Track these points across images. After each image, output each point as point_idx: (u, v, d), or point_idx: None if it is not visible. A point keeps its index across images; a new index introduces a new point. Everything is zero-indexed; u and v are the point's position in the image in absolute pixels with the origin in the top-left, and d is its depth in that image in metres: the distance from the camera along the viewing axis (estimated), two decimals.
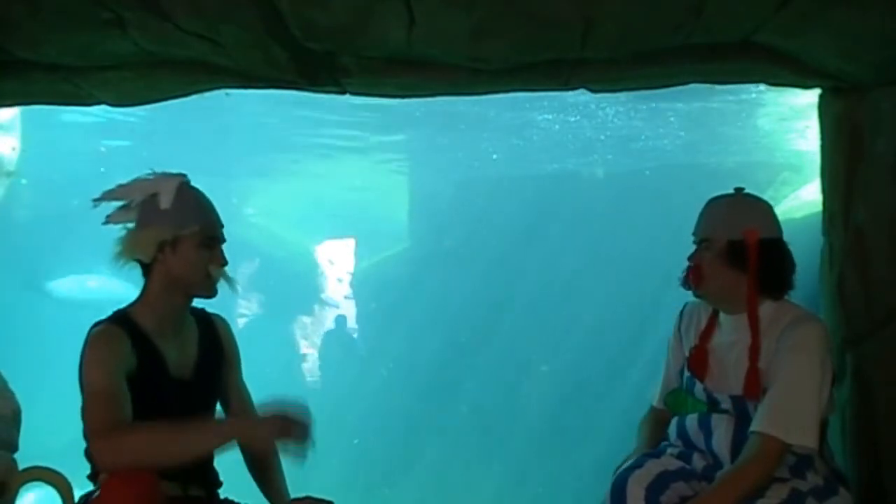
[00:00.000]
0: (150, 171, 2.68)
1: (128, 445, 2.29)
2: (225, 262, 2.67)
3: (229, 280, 2.71)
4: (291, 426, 2.37)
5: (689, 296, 2.89)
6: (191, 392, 2.65)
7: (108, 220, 2.66)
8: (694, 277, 2.76)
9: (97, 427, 2.35)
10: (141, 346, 2.55)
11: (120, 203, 2.66)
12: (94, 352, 2.48)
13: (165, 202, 2.60)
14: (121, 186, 2.67)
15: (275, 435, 2.37)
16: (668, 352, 2.97)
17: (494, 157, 12.74)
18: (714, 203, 2.82)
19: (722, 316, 2.81)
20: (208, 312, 2.83)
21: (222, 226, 2.70)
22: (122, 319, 2.59)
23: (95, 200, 2.66)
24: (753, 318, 2.68)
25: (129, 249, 2.61)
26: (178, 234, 2.58)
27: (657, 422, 2.95)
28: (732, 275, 2.70)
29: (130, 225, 2.64)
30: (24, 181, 12.84)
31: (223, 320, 2.88)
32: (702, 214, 2.82)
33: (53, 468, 2.71)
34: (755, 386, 2.63)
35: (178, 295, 2.64)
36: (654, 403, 2.99)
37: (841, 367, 3.25)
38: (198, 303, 2.75)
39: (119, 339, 2.52)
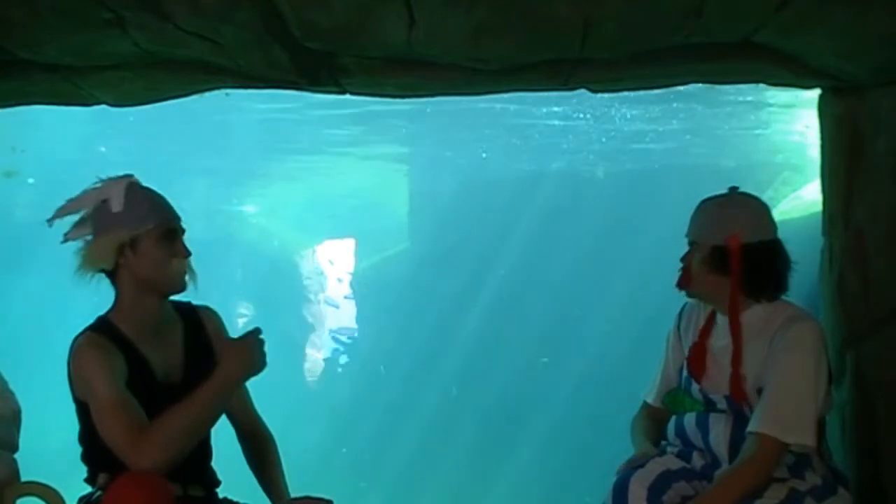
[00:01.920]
0: (97, 180, 2.65)
1: (164, 438, 2.32)
2: (188, 253, 2.63)
3: (192, 272, 2.66)
4: None
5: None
6: (181, 396, 2.59)
7: (67, 237, 2.62)
8: (683, 279, 2.79)
9: (124, 435, 2.35)
10: (126, 353, 2.53)
11: (74, 218, 2.62)
12: (90, 362, 2.45)
13: (117, 205, 2.55)
14: (71, 200, 2.63)
15: (254, 356, 2.46)
16: (667, 350, 2.97)
17: (484, 155, 12.70)
18: (704, 205, 2.82)
19: (718, 317, 2.81)
20: (194, 306, 2.78)
21: (179, 218, 2.66)
22: (104, 328, 2.56)
23: (49, 220, 2.63)
24: (735, 324, 2.69)
25: (90, 260, 2.57)
26: (134, 234, 2.54)
27: (654, 420, 2.95)
28: (717, 279, 2.71)
29: (88, 237, 2.60)
30: (31, 181, 12.84)
31: (212, 312, 2.82)
32: (692, 216, 2.83)
33: (46, 483, 2.69)
34: (739, 390, 2.64)
35: (150, 295, 2.60)
36: (650, 401, 2.99)
37: (841, 367, 3.25)
38: (189, 296, 2.72)
39: (108, 348, 2.49)
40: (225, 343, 2.57)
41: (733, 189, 2.83)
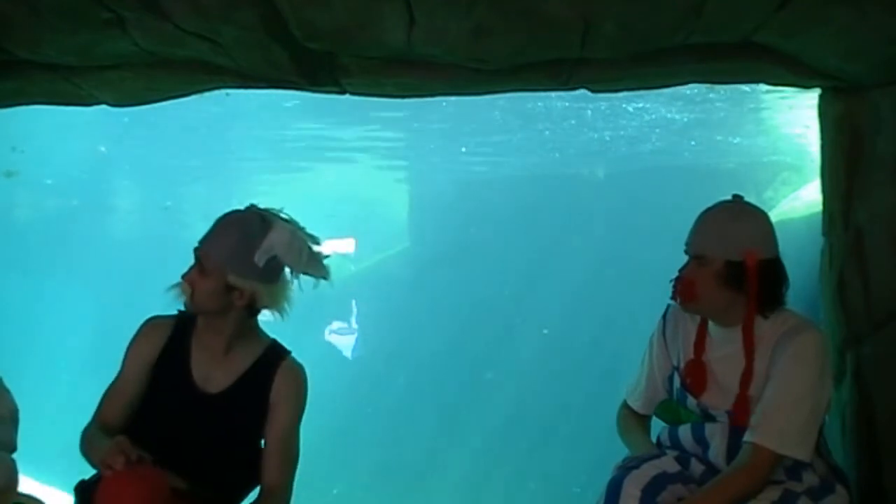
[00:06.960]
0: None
1: (86, 443, 2.53)
2: None
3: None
4: None
5: None
6: (209, 406, 2.63)
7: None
8: (685, 293, 2.64)
9: (95, 413, 2.61)
10: (176, 344, 2.66)
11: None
12: (133, 341, 2.67)
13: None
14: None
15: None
16: (651, 354, 2.87)
17: (463, 150, 12.58)
18: (711, 216, 2.68)
19: (713, 327, 2.72)
20: (284, 355, 2.75)
21: None
22: (181, 316, 2.70)
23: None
24: (749, 343, 2.61)
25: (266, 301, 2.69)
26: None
27: (640, 418, 2.90)
28: (727, 295, 2.60)
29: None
30: (48, 181, 12.84)
31: (291, 369, 2.74)
32: (697, 227, 2.68)
33: (35, 497, 2.69)
34: (744, 413, 2.57)
35: (247, 320, 2.72)
36: (635, 407, 2.90)
37: (841, 367, 3.25)
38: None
39: (162, 330, 2.66)
40: None
41: (737, 197, 2.73)
